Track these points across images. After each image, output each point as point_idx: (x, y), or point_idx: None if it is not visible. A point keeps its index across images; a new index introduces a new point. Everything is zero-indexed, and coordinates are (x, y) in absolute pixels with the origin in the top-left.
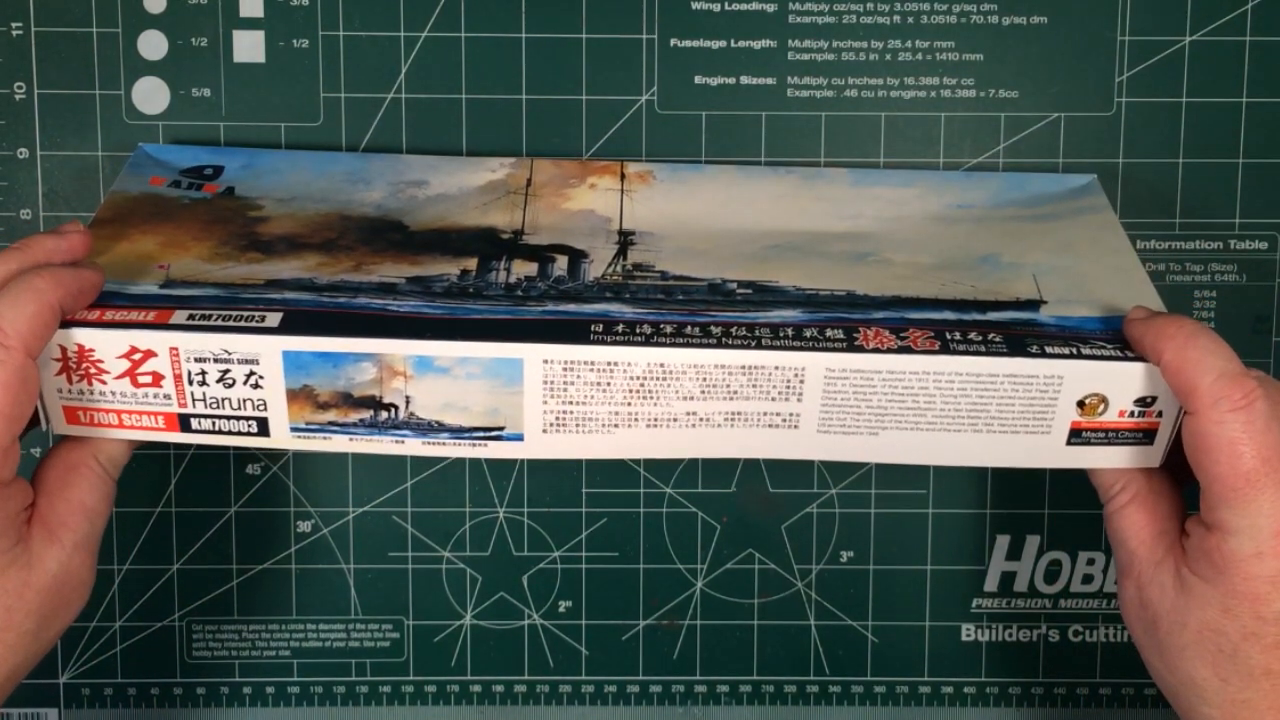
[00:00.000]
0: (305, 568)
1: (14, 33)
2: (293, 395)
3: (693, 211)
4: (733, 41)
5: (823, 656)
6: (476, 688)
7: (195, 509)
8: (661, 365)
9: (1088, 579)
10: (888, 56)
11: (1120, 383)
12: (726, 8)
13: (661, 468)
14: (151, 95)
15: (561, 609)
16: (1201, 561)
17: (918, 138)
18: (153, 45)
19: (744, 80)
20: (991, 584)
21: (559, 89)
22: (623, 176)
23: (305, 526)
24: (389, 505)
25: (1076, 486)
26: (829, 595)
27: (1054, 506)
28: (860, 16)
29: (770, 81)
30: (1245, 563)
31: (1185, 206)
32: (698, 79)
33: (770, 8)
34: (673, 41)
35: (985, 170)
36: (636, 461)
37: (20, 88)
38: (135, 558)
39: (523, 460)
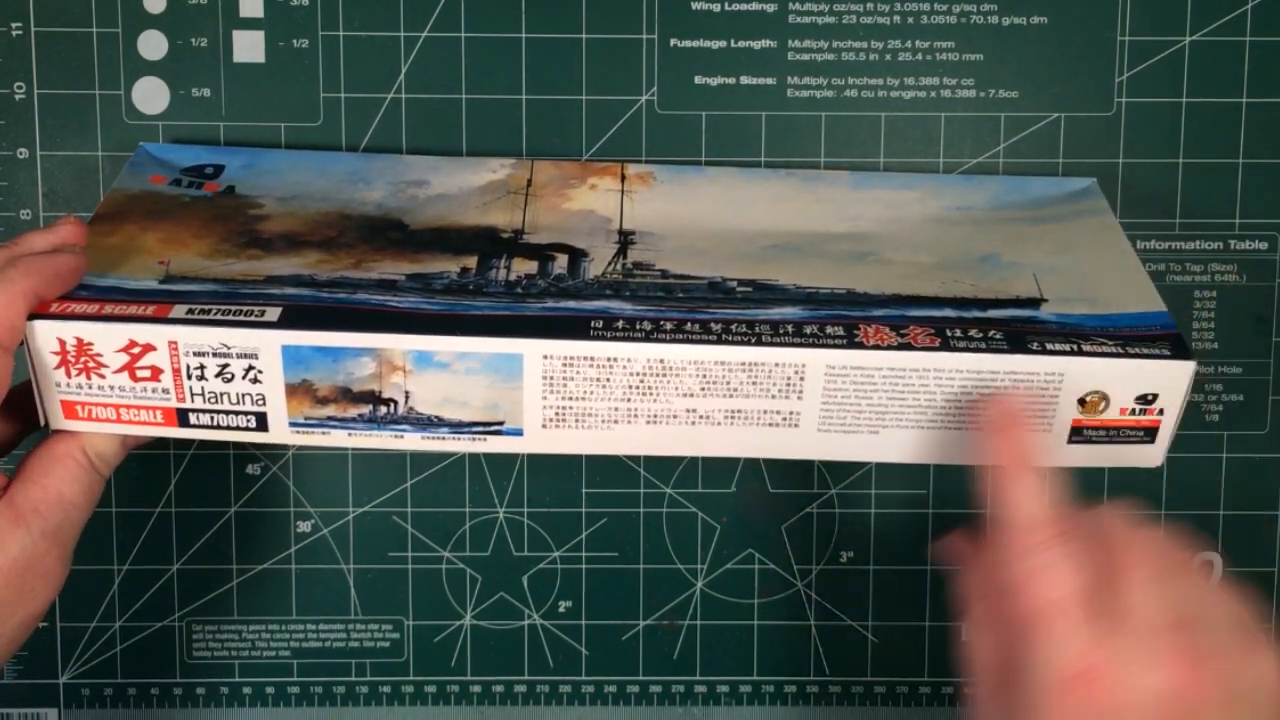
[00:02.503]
0: (305, 568)
1: (14, 33)
2: (291, 390)
3: (693, 212)
4: (733, 41)
5: (823, 656)
6: (476, 688)
7: (195, 509)
8: (661, 361)
9: None
10: (888, 56)
11: (1121, 380)
12: (726, 8)
13: (661, 468)
14: (151, 95)
15: (561, 609)
16: None
17: (918, 138)
18: (153, 45)
19: (744, 80)
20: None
21: (559, 89)
22: (623, 178)
23: (305, 526)
24: (389, 505)
25: (1076, 487)
26: (829, 595)
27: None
28: (860, 16)
29: (770, 81)
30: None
31: (1185, 206)
32: (698, 79)
33: (770, 8)
34: (673, 41)
35: (985, 170)
36: (636, 461)
37: (20, 88)
38: (135, 558)
39: (523, 460)
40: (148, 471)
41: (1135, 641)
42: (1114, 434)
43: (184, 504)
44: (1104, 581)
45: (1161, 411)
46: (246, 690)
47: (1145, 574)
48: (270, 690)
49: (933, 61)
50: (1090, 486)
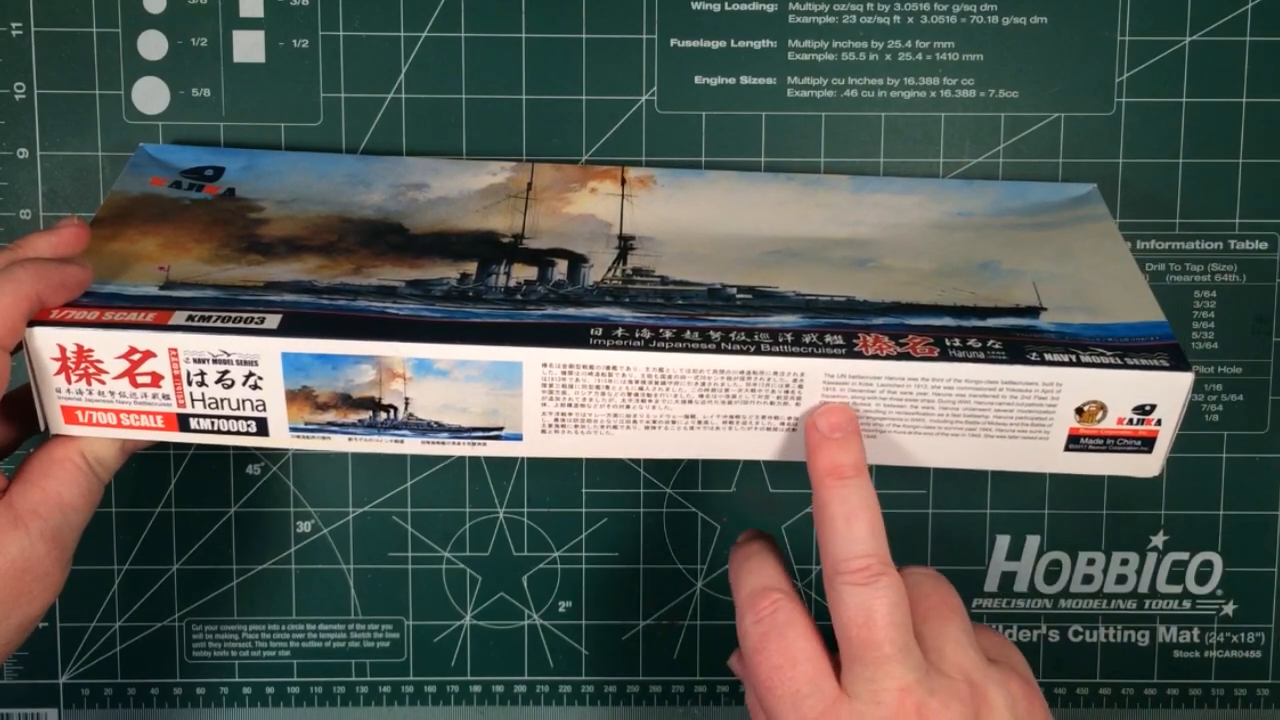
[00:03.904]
0: (305, 568)
1: (14, 33)
2: (291, 396)
3: (693, 217)
4: (733, 41)
5: None
6: (476, 688)
7: (195, 509)
8: (660, 370)
9: (1088, 579)
10: (888, 56)
11: (1119, 390)
12: (726, 8)
13: (661, 468)
14: (151, 95)
15: (561, 609)
16: None
17: (918, 138)
18: (153, 45)
19: (744, 80)
20: (991, 584)
21: (559, 89)
22: (623, 181)
23: (305, 526)
24: (389, 505)
25: (1076, 487)
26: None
27: (1054, 507)
28: (860, 16)
29: (770, 81)
30: None
31: (1185, 207)
32: (698, 79)
33: (770, 8)
34: (673, 41)
35: (985, 170)
36: (636, 462)
37: (20, 88)
38: (135, 558)
39: (523, 461)
40: (148, 472)
41: (868, 704)
42: (1111, 443)
43: (184, 504)
44: (845, 642)
45: (1159, 422)
46: (246, 690)
47: (890, 637)
48: (270, 690)
49: (933, 61)
50: (1090, 488)
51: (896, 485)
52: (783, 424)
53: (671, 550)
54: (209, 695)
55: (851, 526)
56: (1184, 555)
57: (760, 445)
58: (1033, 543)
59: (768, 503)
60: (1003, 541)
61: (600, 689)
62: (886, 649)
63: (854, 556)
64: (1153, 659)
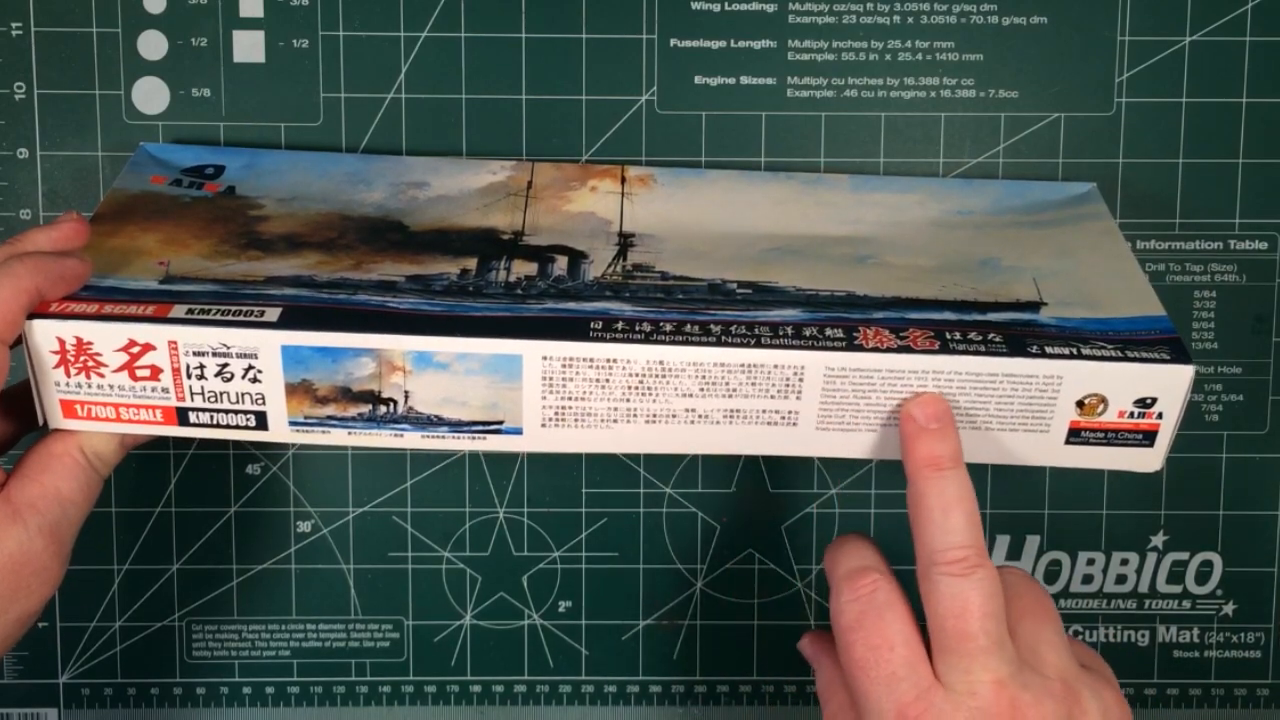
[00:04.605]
0: (305, 568)
1: (14, 33)
2: (291, 390)
3: (693, 214)
4: (733, 41)
5: None
6: (476, 688)
7: (195, 509)
8: (661, 363)
9: (1087, 579)
10: (888, 56)
11: (1120, 383)
12: (726, 8)
13: (661, 468)
14: (151, 95)
15: (561, 609)
16: None
17: (918, 138)
18: (153, 45)
19: (744, 80)
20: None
21: (559, 89)
22: (623, 180)
23: (305, 526)
24: (389, 505)
25: (1076, 487)
26: (829, 595)
27: (1054, 506)
28: (860, 16)
29: (770, 81)
30: None
31: (1185, 207)
32: (698, 79)
33: (770, 8)
34: (673, 41)
35: (985, 170)
36: (636, 461)
37: (20, 88)
38: (135, 558)
39: (523, 460)
40: (148, 471)
41: (963, 694)
42: (1112, 437)
43: (184, 504)
44: (939, 633)
45: (1160, 415)
46: (246, 690)
47: (985, 629)
48: (270, 690)
49: (933, 61)
50: (1090, 487)
51: (897, 485)
52: (783, 418)
53: (671, 550)
54: (209, 695)
55: (949, 517)
56: (1184, 555)
57: (761, 439)
58: (1033, 543)
59: (768, 503)
60: (1002, 541)
61: (600, 689)
62: (981, 640)
63: (951, 547)
64: (1153, 659)
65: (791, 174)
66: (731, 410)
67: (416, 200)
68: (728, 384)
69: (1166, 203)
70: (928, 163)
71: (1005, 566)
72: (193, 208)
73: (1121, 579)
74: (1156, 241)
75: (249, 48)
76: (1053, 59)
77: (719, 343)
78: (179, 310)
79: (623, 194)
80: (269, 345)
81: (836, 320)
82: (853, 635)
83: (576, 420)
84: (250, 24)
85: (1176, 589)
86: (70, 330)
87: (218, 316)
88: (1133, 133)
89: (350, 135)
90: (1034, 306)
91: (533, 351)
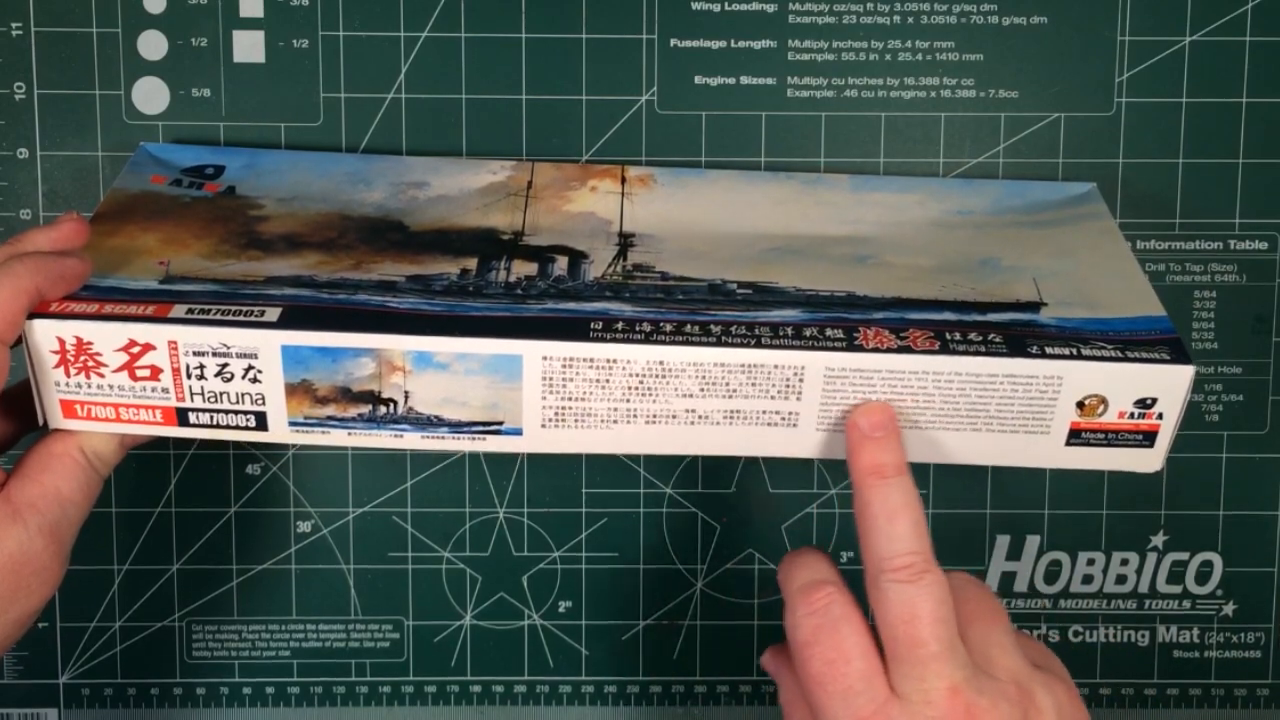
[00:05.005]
0: (305, 568)
1: (14, 33)
2: (291, 390)
3: (693, 215)
4: (733, 41)
5: None
6: (476, 688)
7: (195, 509)
8: (661, 363)
9: (1088, 579)
10: (888, 56)
11: (1120, 384)
12: (726, 8)
13: (661, 468)
14: (151, 95)
15: (561, 609)
16: None
17: (918, 138)
18: (153, 45)
19: (744, 80)
20: (991, 584)
21: (559, 89)
22: (623, 180)
23: (305, 526)
24: (389, 505)
25: (1076, 487)
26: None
27: (1054, 506)
28: (860, 16)
29: (770, 81)
30: None
31: (1185, 207)
32: (698, 79)
33: (770, 8)
34: (673, 41)
35: (985, 170)
36: (636, 461)
37: (20, 88)
38: (135, 558)
39: (523, 460)
40: (148, 471)
41: (919, 704)
42: (1112, 437)
43: (184, 504)
44: (891, 641)
45: (1160, 416)
46: (246, 690)
47: (936, 634)
48: (270, 690)
49: (933, 61)
50: (1090, 488)
51: None
52: (783, 419)
53: (671, 550)
54: (209, 695)
55: (894, 525)
56: (1184, 555)
57: (761, 441)
58: (1033, 543)
59: (768, 503)
60: (1003, 541)
61: (600, 689)
62: (933, 646)
63: (898, 554)
64: (1153, 659)
65: (791, 174)
66: (732, 411)
67: (416, 200)
68: (728, 384)
69: (1166, 203)
70: (928, 163)
71: (950, 571)
72: (193, 207)
73: (1121, 579)
74: (1156, 241)
75: (249, 48)
76: (1053, 59)
77: (719, 343)
78: (179, 310)
79: (623, 194)
80: (269, 345)
81: (836, 320)
82: (809, 650)
83: (576, 421)
84: (250, 24)
85: (1176, 589)
86: (70, 330)
87: (218, 316)
88: (1133, 133)
89: (350, 135)
90: (1034, 307)
91: (533, 351)
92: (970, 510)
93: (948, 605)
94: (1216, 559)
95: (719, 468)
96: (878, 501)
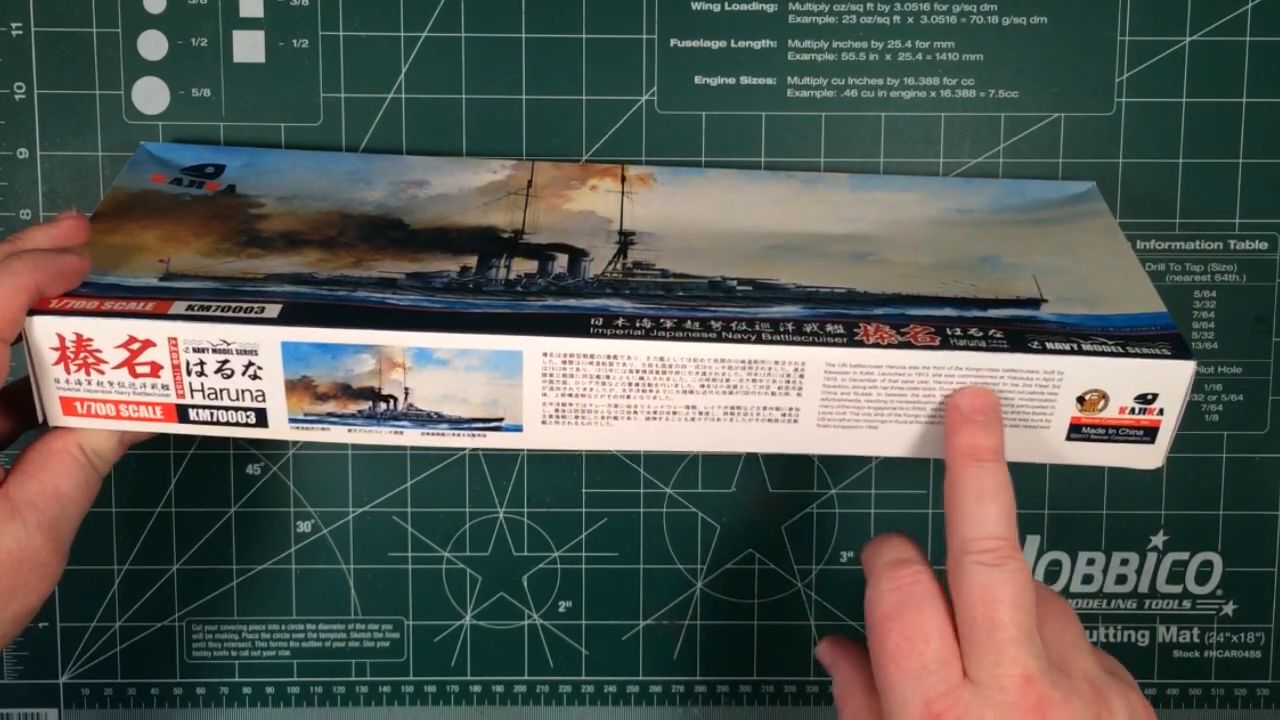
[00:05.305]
0: (305, 568)
1: (14, 33)
2: (291, 386)
3: (693, 213)
4: (733, 41)
5: None
6: (476, 688)
7: (195, 509)
8: (661, 359)
9: (1088, 579)
10: (888, 56)
11: (1121, 379)
12: (726, 8)
13: (661, 467)
14: (151, 95)
15: (561, 609)
16: None
17: (918, 138)
18: (153, 45)
19: (744, 80)
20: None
21: (559, 89)
22: (623, 179)
23: (305, 526)
24: (389, 505)
25: (1076, 486)
26: (829, 595)
27: (1054, 506)
28: (860, 16)
29: (770, 81)
30: None
31: (1185, 206)
32: (698, 79)
33: (770, 8)
34: (673, 41)
35: (985, 170)
36: (636, 461)
37: (20, 88)
38: (135, 558)
39: (523, 460)
40: (148, 471)
41: (991, 689)
42: (1113, 433)
43: (184, 504)
44: (968, 623)
45: (1161, 411)
46: (246, 690)
47: (1015, 620)
48: (270, 690)
49: (933, 61)
50: (1090, 487)
51: (896, 485)
52: (784, 415)
53: (671, 550)
54: (209, 695)
55: (984, 507)
56: (1184, 555)
57: (762, 437)
58: (1033, 543)
59: (768, 503)
60: None
61: (600, 689)
62: (1011, 630)
63: (984, 537)
64: (1153, 659)
65: (791, 173)
66: (732, 407)
67: (417, 199)
68: (728, 380)
69: (1166, 203)
70: (928, 163)
71: None
72: (193, 206)
73: (1121, 579)
74: (1156, 241)
75: (249, 48)
76: (1053, 59)
77: (719, 339)
78: (179, 306)
79: (623, 193)
80: (269, 341)
81: (837, 316)
82: (889, 624)
83: (577, 417)
84: (250, 24)
85: (1176, 589)
86: (70, 326)
87: (218, 313)
88: (1133, 133)
89: (350, 135)
90: (1034, 303)
91: (533, 348)
92: None
93: (1029, 593)
94: (1216, 559)
95: (719, 468)
96: (971, 482)
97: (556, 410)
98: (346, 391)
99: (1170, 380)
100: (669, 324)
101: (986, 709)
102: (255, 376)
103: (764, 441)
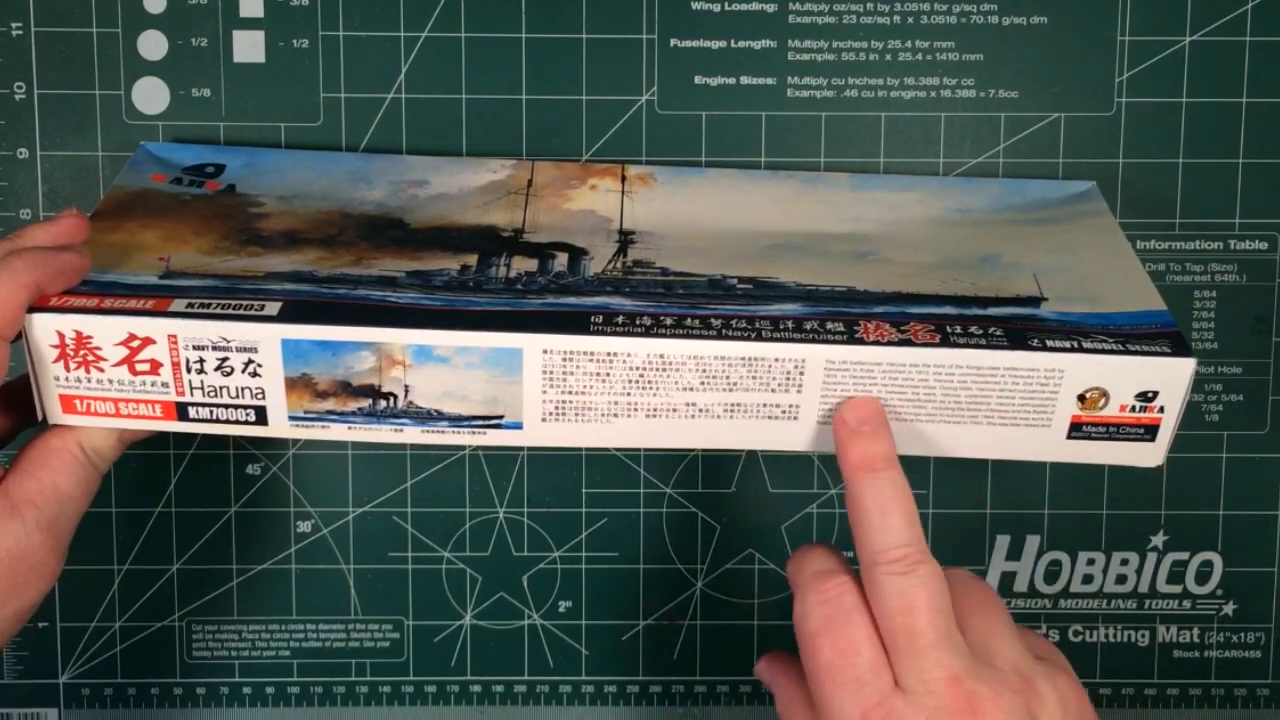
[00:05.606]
0: (305, 568)
1: (14, 33)
2: (291, 384)
3: (693, 212)
4: (733, 41)
5: None
6: (476, 688)
7: (195, 509)
8: (661, 356)
9: (1088, 579)
10: (888, 56)
11: (1121, 376)
12: (726, 8)
13: (661, 467)
14: (151, 95)
15: (561, 609)
16: None
17: (918, 138)
18: (153, 45)
19: (744, 80)
20: (992, 584)
21: (559, 89)
22: (624, 178)
23: (305, 526)
24: (389, 505)
25: (1076, 486)
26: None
27: (1054, 506)
28: (860, 16)
29: (770, 81)
30: None
31: (1185, 206)
32: (698, 79)
33: (770, 8)
34: (673, 41)
35: (985, 170)
36: (636, 461)
37: (20, 88)
38: (135, 558)
39: (523, 460)
40: (148, 471)
41: (921, 695)
42: (1114, 431)
43: (184, 504)
44: (889, 633)
45: (1162, 409)
46: (246, 690)
47: (933, 624)
48: (270, 690)
49: (933, 61)
50: (1090, 487)
51: None
52: (784, 412)
53: (671, 550)
54: (209, 695)
55: (887, 518)
56: (1184, 555)
57: (761, 435)
58: (1033, 542)
59: (768, 503)
60: (1002, 541)
61: (600, 689)
62: (930, 636)
63: (891, 547)
64: (1153, 659)
65: (791, 172)
66: (732, 404)
67: (417, 198)
68: (728, 378)
69: (1166, 203)
70: (928, 163)
71: (949, 568)
72: (193, 205)
73: (1121, 579)
74: (1156, 241)
75: (249, 48)
76: (1053, 59)
77: (719, 336)
78: (179, 304)
79: (623, 192)
80: (269, 339)
81: (837, 314)
82: (820, 640)
83: (577, 414)
84: (250, 24)
85: (1176, 589)
86: (70, 324)
87: (218, 310)
88: (1133, 133)
89: (350, 135)
90: (1034, 301)
91: (533, 345)
92: (970, 510)
93: (944, 595)
94: (1216, 559)
95: (719, 467)
96: (869, 495)
97: (556, 408)
98: (346, 389)
99: (1171, 378)
100: (669, 321)
101: (920, 715)
102: (255, 374)
103: (764, 439)
